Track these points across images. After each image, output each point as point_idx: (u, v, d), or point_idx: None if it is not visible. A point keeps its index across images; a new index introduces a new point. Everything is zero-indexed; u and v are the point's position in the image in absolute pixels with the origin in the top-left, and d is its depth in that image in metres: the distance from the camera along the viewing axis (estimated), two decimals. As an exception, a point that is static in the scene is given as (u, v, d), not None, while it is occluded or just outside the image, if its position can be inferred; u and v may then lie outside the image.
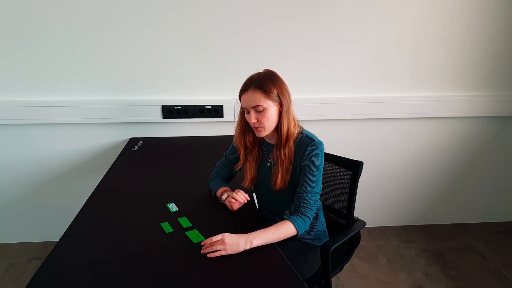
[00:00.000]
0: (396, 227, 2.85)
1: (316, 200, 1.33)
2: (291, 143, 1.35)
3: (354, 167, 1.51)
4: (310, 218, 1.31)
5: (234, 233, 1.23)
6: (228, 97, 2.37)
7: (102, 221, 1.43)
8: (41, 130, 2.35)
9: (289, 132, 1.33)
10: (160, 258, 1.19)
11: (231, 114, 2.38)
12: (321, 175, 1.35)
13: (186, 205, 1.55)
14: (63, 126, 2.35)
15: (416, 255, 2.49)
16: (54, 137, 2.38)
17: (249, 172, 1.47)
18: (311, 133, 1.40)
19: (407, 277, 2.26)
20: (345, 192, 1.54)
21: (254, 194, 1.66)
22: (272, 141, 1.42)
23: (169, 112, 2.35)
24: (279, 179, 1.36)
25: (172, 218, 1.44)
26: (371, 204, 2.78)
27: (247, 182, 1.48)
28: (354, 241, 1.56)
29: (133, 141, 2.37)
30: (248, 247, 1.18)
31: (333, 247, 1.32)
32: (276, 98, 1.29)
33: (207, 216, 1.44)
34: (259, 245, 1.20)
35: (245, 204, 1.44)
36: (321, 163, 1.34)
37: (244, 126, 1.41)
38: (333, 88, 2.42)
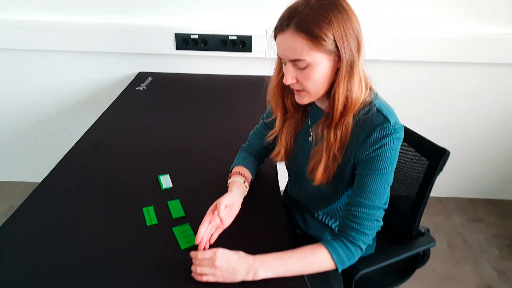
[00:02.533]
0: (461, 200, 2.36)
1: (377, 220, 0.88)
2: (350, 118, 0.88)
3: (434, 156, 1.01)
4: (362, 249, 0.88)
5: (240, 242, 0.87)
6: (258, 25, 1.86)
7: (69, 192, 1.12)
8: (33, 57, 2.01)
9: (349, 103, 0.84)
10: (131, 265, 0.87)
11: (262, 48, 1.89)
12: (391, 179, 0.89)
13: (185, 178, 1.18)
14: (60, 53, 2.01)
15: (486, 241, 2.03)
16: (49, 67, 2.05)
17: (284, 141, 1.04)
18: (389, 107, 0.88)
19: (473, 271, 1.84)
20: (413, 186, 1.07)
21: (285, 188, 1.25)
22: (322, 105, 0.95)
23: (184, 42, 1.90)
24: (320, 170, 0.92)
25: (162, 199, 1.09)
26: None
27: (279, 156, 1.06)
28: (416, 260, 1.13)
29: (141, 76, 2.00)
30: (249, 278, 0.81)
31: (360, 274, 0.92)
32: (332, 47, 0.80)
33: (210, 202, 1.03)
34: (268, 278, 0.80)
35: (267, 192, 1.08)
36: (393, 160, 0.87)
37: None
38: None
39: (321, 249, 0.84)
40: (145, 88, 1.86)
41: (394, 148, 0.85)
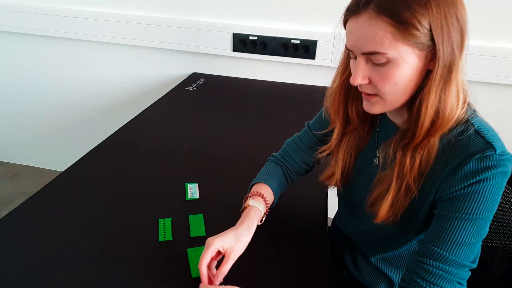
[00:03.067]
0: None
1: (460, 283, 0.64)
2: (436, 139, 0.65)
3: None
4: None
5: (267, 282, 0.70)
6: (325, 29, 1.68)
7: (86, 188, 1.01)
8: (88, 48, 2.00)
9: (440, 119, 0.63)
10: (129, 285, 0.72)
11: (327, 55, 1.70)
12: (487, 229, 0.65)
13: (216, 191, 1.02)
14: (115, 46, 1.98)
15: None
16: (103, 59, 2.03)
17: (342, 161, 0.82)
18: (492, 130, 0.65)
19: None
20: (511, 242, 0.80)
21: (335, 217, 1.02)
22: (397, 119, 0.74)
23: (242, 43, 1.78)
24: (386, 204, 0.69)
25: (183, 211, 0.93)
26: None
27: (333, 180, 0.84)
28: None
29: (194, 77, 1.90)
30: None
31: None
32: (426, 40, 0.59)
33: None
34: None
35: (311, 220, 0.88)
36: (493, 203, 0.63)
37: (349, 82, 0.71)
38: None
39: None
40: (195, 89, 1.75)
41: (497, 186, 0.61)
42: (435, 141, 0.65)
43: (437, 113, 0.62)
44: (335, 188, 0.91)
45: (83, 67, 2.06)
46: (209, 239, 0.71)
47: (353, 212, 0.88)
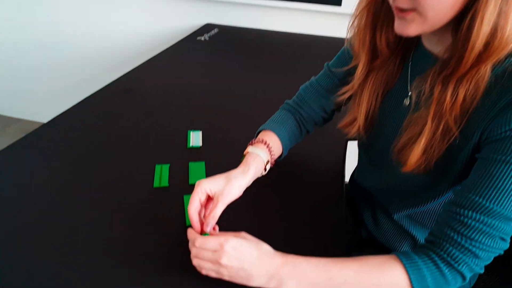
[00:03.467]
0: None
1: (503, 239, 0.53)
2: (487, 68, 0.52)
3: None
4: (465, 278, 0.53)
5: (271, 235, 0.60)
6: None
7: (80, 132, 0.94)
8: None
9: (496, 39, 0.49)
10: (115, 234, 0.65)
11: (355, 1, 1.54)
12: None
13: (221, 141, 0.93)
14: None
15: None
16: (108, 9, 1.93)
17: (366, 104, 0.70)
18: None
19: None
20: None
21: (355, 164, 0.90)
22: (437, 47, 0.61)
23: (260, -12, 1.64)
24: (417, 150, 0.58)
25: (184, 158, 0.85)
26: None
27: (355, 127, 0.72)
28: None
29: (207, 28, 1.79)
30: (272, 287, 0.53)
31: None
32: None
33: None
34: None
35: (326, 173, 0.79)
36: None
37: (379, 3, 0.61)
38: None
39: (393, 266, 0.52)
40: (207, 39, 1.65)
41: None
42: (486, 70, 0.52)
43: (494, 32, 0.48)
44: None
45: (89, 18, 1.98)
46: (197, 181, 0.63)
47: (376, 164, 0.77)
